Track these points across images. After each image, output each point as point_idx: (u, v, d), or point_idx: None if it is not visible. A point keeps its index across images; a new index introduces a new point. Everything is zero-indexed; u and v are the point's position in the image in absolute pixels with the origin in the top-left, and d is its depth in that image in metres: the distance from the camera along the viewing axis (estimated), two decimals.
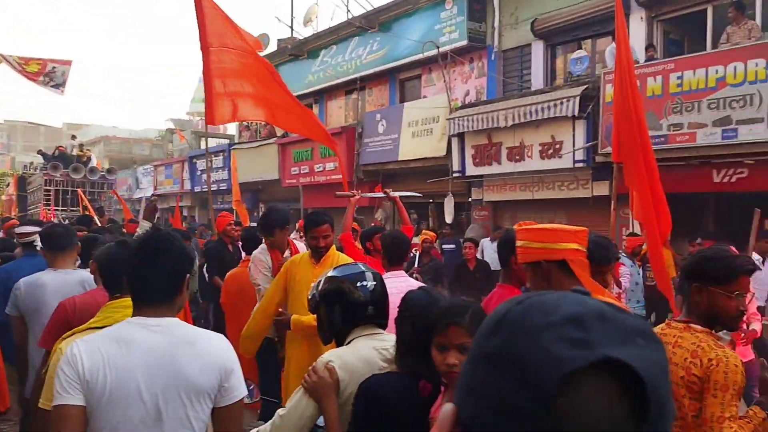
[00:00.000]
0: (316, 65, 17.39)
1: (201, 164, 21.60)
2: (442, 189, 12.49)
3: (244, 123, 23.54)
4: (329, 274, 2.51)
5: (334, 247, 3.99)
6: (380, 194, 6.07)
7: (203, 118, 33.50)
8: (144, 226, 5.08)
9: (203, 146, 25.52)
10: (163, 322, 1.89)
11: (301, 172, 16.03)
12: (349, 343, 2.33)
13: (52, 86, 13.04)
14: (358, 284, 2.37)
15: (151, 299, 1.91)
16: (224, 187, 19.90)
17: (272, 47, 19.12)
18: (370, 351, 2.26)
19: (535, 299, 0.67)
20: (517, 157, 10.71)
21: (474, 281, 7.84)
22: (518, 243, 2.47)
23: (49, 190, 17.95)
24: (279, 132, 18.96)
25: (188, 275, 2.01)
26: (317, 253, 3.89)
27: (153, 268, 1.91)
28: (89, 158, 20.44)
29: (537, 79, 11.82)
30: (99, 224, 9.76)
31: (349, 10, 15.85)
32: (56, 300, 3.10)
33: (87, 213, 11.79)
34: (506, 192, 11.52)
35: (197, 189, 21.83)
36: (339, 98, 17.60)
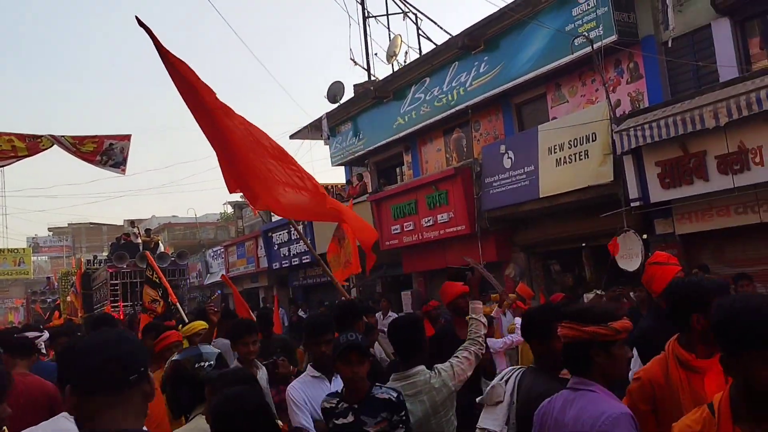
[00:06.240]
0: (405, 105, 14.94)
1: (277, 237, 19.17)
2: (601, 227, 9.59)
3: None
4: (172, 358, 3.04)
5: None
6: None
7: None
8: None
9: (274, 219, 23.28)
10: None
11: (404, 230, 13.34)
12: (192, 419, 2.65)
13: (111, 165, 10.56)
14: (197, 365, 2.72)
15: None
16: (306, 260, 17.41)
17: (348, 94, 16.91)
18: (206, 426, 2.40)
19: None
20: (736, 167, 7.73)
21: None
22: None
23: (115, 284, 15.81)
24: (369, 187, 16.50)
25: None
26: None
27: None
28: (157, 244, 18.42)
29: (726, 68, 8.95)
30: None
31: (446, 31, 13.45)
32: None
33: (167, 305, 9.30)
34: (712, 219, 8.45)
35: (276, 266, 19.32)
36: (436, 140, 14.99)
